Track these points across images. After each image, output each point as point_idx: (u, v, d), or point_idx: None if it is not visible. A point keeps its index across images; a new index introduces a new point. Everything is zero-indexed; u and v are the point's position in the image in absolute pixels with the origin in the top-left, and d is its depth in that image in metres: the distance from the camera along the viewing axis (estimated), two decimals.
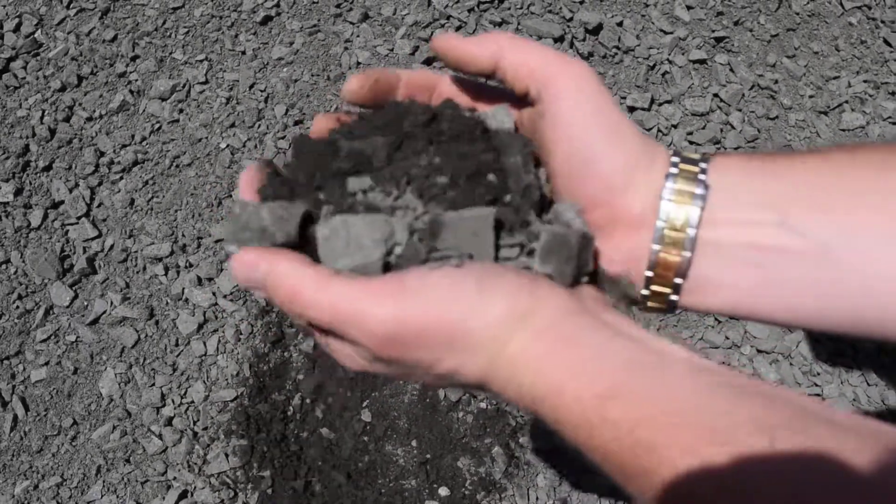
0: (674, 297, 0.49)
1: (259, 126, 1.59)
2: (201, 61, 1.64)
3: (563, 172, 0.50)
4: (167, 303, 1.46)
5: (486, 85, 0.55)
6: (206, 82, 1.62)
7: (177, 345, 1.43)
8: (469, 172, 0.47)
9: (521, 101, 0.52)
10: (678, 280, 0.48)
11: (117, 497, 1.34)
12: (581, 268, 0.47)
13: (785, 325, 0.50)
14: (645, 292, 0.50)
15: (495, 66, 0.50)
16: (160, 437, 1.37)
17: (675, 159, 0.49)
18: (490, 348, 0.43)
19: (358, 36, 1.66)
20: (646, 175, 0.49)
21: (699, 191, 0.48)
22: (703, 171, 0.48)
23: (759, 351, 1.45)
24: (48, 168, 1.52)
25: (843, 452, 0.35)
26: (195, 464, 1.36)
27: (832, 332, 0.48)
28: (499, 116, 0.52)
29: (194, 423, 1.39)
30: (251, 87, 1.62)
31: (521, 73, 0.50)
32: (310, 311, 0.44)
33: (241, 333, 1.44)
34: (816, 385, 1.43)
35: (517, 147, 0.49)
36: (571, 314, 0.44)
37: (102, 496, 1.33)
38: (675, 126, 1.61)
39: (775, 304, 0.48)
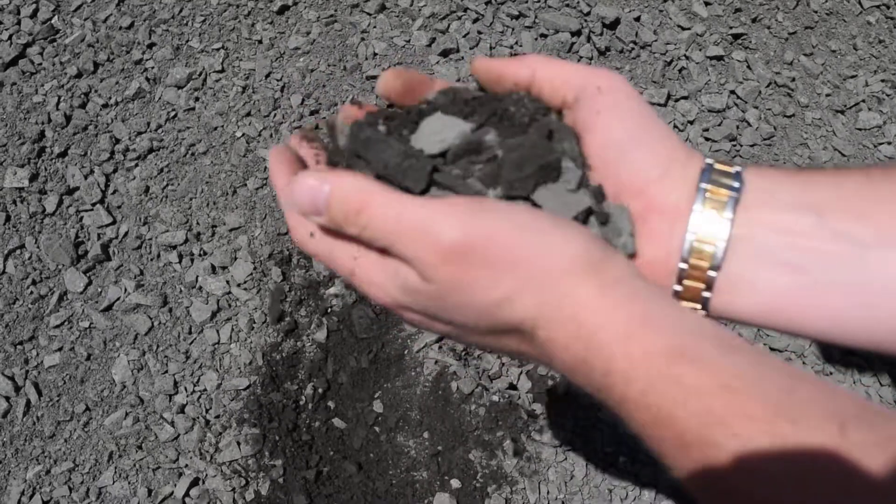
0: (707, 294, 0.49)
1: (275, 115, 1.58)
2: (218, 50, 1.63)
3: (599, 162, 0.50)
4: (181, 290, 1.46)
5: None
6: (223, 71, 1.62)
7: (190, 332, 1.44)
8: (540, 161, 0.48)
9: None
10: (712, 273, 0.48)
11: (129, 483, 1.34)
12: None
13: (823, 338, 0.49)
14: (678, 288, 0.49)
15: (531, 80, 0.52)
16: (172, 424, 1.37)
17: (711, 160, 0.50)
18: (556, 285, 0.42)
19: (375, 27, 1.66)
20: (682, 168, 0.49)
21: (735, 184, 0.48)
22: (739, 171, 0.49)
23: (772, 349, 1.45)
24: (63, 154, 1.52)
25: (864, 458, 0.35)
26: (207, 451, 1.36)
27: (868, 348, 0.48)
28: None
29: (207, 410, 1.39)
30: (267, 76, 1.62)
31: (557, 83, 0.51)
32: (375, 222, 0.44)
33: (254, 322, 1.44)
34: None
35: (567, 132, 0.50)
36: (638, 277, 0.44)
37: (114, 482, 1.34)
38: (691, 122, 1.60)
39: (812, 309, 0.47)
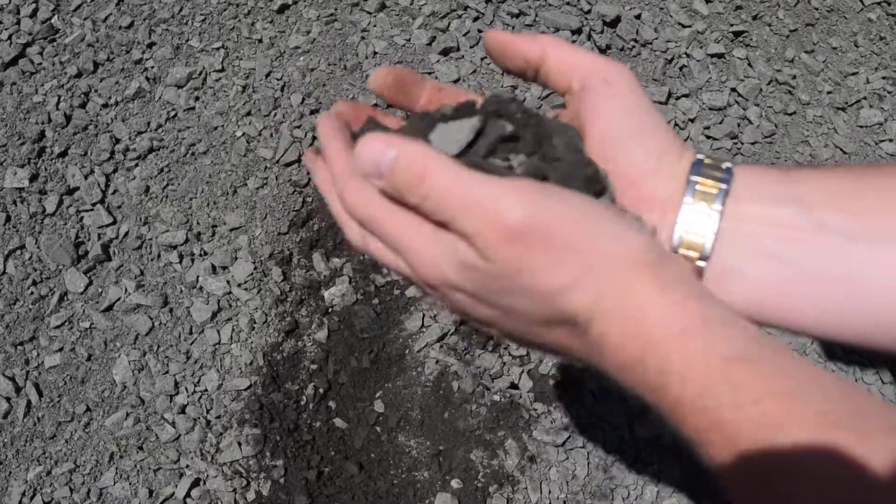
0: None
1: (275, 115, 1.58)
2: (218, 49, 1.63)
3: (597, 152, 0.51)
4: (181, 291, 1.46)
5: None
6: (223, 70, 1.62)
7: (191, 333, 1.43)
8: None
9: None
10: (701, 263, 0.49)
11: (130, 484, 1.34)
12: None
13: (812, 333, 0.49)
14: None
15: (541, 60, 0.52)
16: (173, 424, 1.37)
17: (701, 155, 0.51)
18: (618, 278, 0.42)
19: (375, 25, 1.65)
20: (675, 162, 0.50)
21: (724, 176, 0.49)
22: (729, 166, 0.50)
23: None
24: (63, 154, 1.52)
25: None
26: (208, 452, 1.36)
27: (860, 344, 0.48)
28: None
29: (207, 411, 1.39)
30: (267, 75, 1.61)
31: (565, 67, 0.52)
32: (437, 192, 0.43)
33: (255, 322, 1.44)
34: None
35: (564, 130, 0.50)
36: (697, 281, 0.45)
37: (115, 483, 1.34)
38: (692, 120, 1.60)
39: (799, 299, 0.48)
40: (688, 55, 1.64)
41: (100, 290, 1.45)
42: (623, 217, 0.45)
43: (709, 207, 0.48)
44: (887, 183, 0.47)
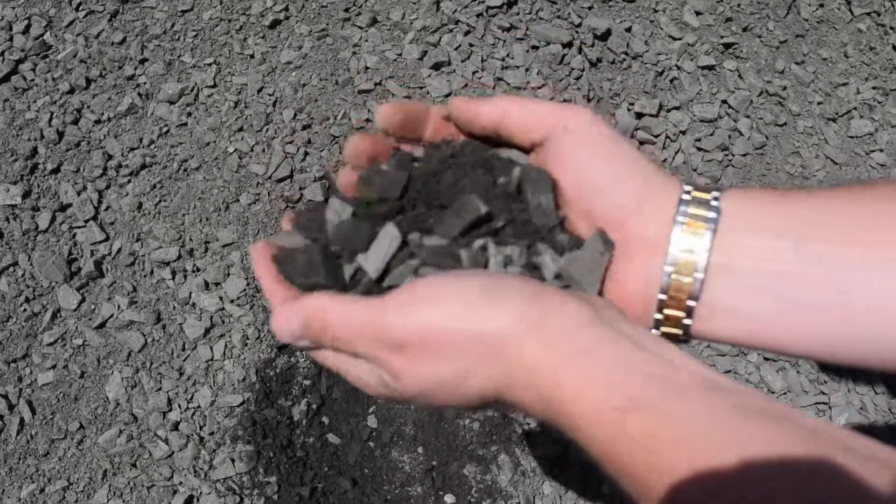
0: (687, 321, 0.49)
1: (267, 130, 1.59)
2: (210, 65, 1.64)
3: (574, 198, 0.51)
4: (174, 307, 1.46)
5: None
6: (215, 86, 1.62)
7: (184, 349, 1.44)
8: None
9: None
10: (691, 303, 0.48)
11: (123, 501, 1.34)
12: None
13: (804, 357, 0.49)
14: (658, 316, 0.50)
15: (501, 122, 0.53)
16: (166, 441, 1.37)
17: (689, 188, 0.50)
18: (504, 356, 0.43)
19: (366, 40, 1.66)
20: (659, 200, 0.50)
21: (712, 214, 0.48)
22: (717, 199, 0.49)
23: (765, 359, 1.45)
24: (56, 171, 1.52)
25: (859, 475, 0.35)
26: (201, 469, 1.36)
27: (853, 365, 0.48)
28: (513, 154, 0.55)
29: (200, 427, 1.39)
30: (259, 90, 1.62)
31: (524, 123, 0.53)
32: (337, 334, 0.47)
33: (247, 338, 1.44)
34: (823, 393, 1.42)
35: (537, 173, 0.51)
36: (587, 325, 0.44)
37: (108, 500, 1.34)
38: (683, 132, 1.61)
39: (793, 333, 0.47)
40: (678, 67, 1.65)
41: (93, 306, 1.45)
42: (501, 286, 0.45)
43: (697, 245, 0.48)
44: (877, 209, 0.47)
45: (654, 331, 0.51)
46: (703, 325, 0.49)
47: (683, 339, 0.51)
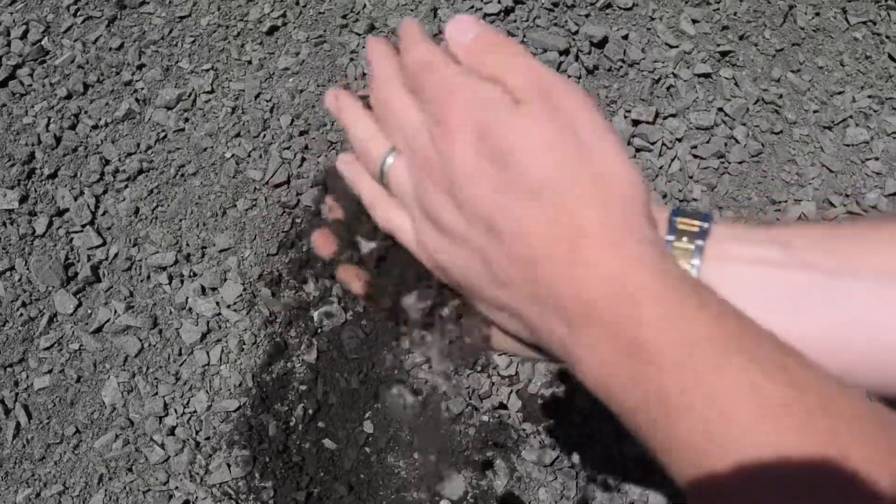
0: None
1: (264, 136, 1.59)
2: (207, 70, 1.64)
3: None
4: (171, 312, 1.46)
5: None
6: (212, 91, 1.62)
7: (180, 354, 1.44)
8: None
9: None
10: None
11: None
12: None
13: None
14: None
15: None
16: (162, 446, 1.37)
17: (676, 218, 0.50)
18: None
19: (364, 47, 1.66)
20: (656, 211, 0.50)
21: (704, 225, 0.49)
22: (707, 218, 0.50)
23: None
24: (53, 176, 1.52)
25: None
26: (197, 474, 1.36)
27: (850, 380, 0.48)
28: None
29: (197, 432, 1.39)
30: (257, 96, 1.62)
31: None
32: (510, 49, 0.46)
33: (244, 344, 1.44)
34: None
35: None
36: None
37: None
38: (679, 140, 1.61)
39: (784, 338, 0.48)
40: (675, 75, 1.65)
41: (89, 311, 1.45)
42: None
43: (691, 249, 0.48)
44: (863, 228, 0.47)
45: None
46: None
47: None
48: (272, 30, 1.68)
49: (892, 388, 0.47)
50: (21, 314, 1.42)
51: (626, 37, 1.68)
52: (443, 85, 0.47)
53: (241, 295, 1.47)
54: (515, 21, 1.66)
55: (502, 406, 1.41)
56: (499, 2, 1.66)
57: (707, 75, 1.66)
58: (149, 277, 1.48)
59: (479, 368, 1.42)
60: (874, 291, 0.45)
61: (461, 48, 0.48)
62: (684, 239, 0.48)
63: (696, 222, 0.49)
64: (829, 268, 0.46)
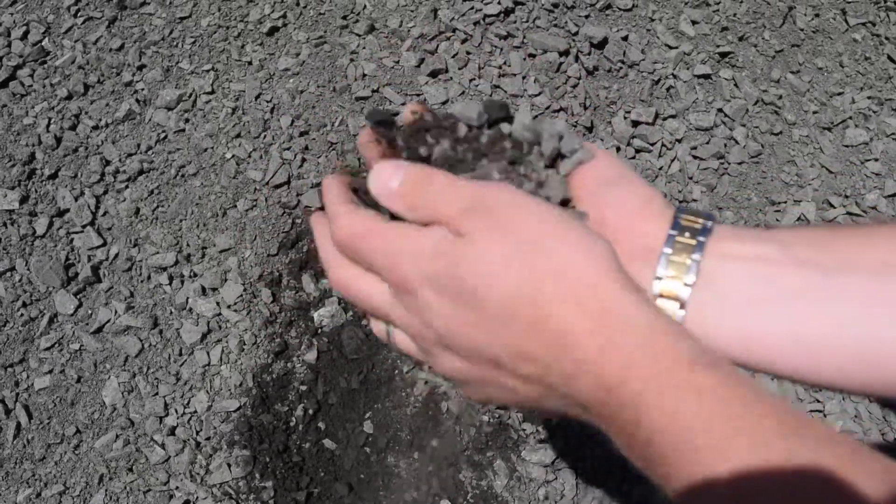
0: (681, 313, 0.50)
1: (265, 136, 1.59)
2: (208, 71, 1.64)
3: (584, 197, 0.53)
4: (171, 312, 1.47)
5: None
6: (213, 92, 1.63)
7: (180, 354, 1.44)
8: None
9: None
10: (681, 312, 0.49)
11: None
12: None
13: (795, 376, 0.50)
14: None
15: None
16: (163, 446, 1.37)
17: (681, 213, 0.52)
18: (584, 277, 0.44)
19: (364, 48, 1.66)
20: (660, 212, 0.52)
21: (707, 223, 0.50)
22: (709, 218, 0.51)
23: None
24: (54, 176, 1.52)
25: (824, 476, 0.36)
26: (198, 474, 1.36)
27: (846, 386, 0.49)
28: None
29: (197, 432, 1.39)
30: (257, 97, 1.62)
31: None
32: (435, 187, 0.48)
33: (244, 344, 1.45)
34: (818, 401, 1.43)
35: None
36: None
37: None
38: (679, 140, 1.61)
39: (782, 339, 0.48)
40: (675, 76, 1.66)
41: (90, 311, 1.45)
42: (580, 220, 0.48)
43: (692, 244, 0.49)
44: (857, 229, 0.48)
45: None
46: (694, 330, 0.50)
47: None
48: (272, 30, 1.68)
49: (887, 385, 0.48)
50: (21, 314, 1.42)
51: (625, 38, 1.68)
52: (384, 254, 0.49)
53: (241, 295, 1.47)
54: (515, 22, 1.67)
55: (502, 406, 1.41)
56: (499, 3, 1.66)
57: (707, 76, 1.66)
58: (149, 278, 1.48)
59: None
60: (869, 289, 0.46)
61: (389, 198, 0.50)
62: (686, 234, 0.49)
63: (700, 220, 0.50)
64: (824, 265, 0.47)
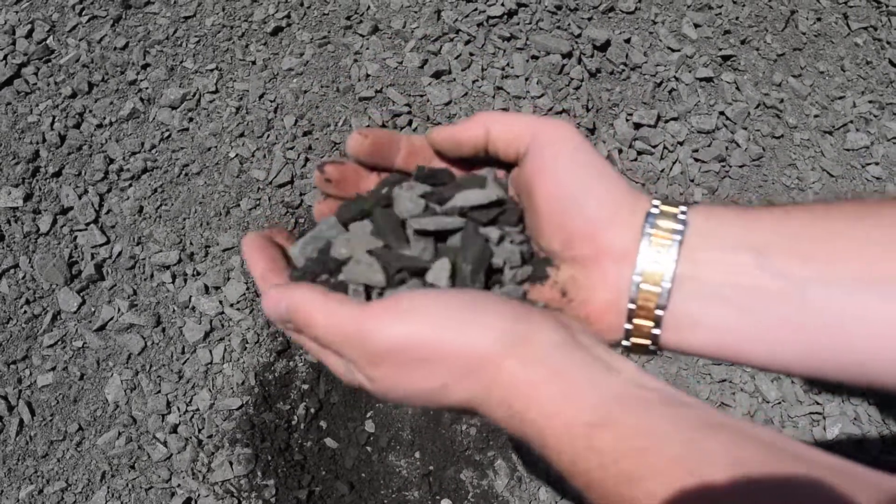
0: (656, 331, 0.50)
1: (268, 136, 1.60)
2: (212, 70, 1.65)
3: (549, 210, 0.53)
4: (174, 310, 1.47)
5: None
6: (217, 91, 1.63)
7: (183, 352, 1.44)
8: None
9: (509, 168, 0.58)
10: (659, 312, 0.50)
11: (121, 503, 1.34)
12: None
13: (769, 369, 0.51)
14: (628, 326, 0.51)
15: (486, 138, 0.55)
16: (165, 444, 1.37)
17: (657, 202, 0.51)
18: (483, 372, 0.45)
19: (367, 48, 1.67)
20: (629, 213, 0.51)
21: (678, 227, 0.50)
22: (684, 213, 0.51)
23: (760, 369, 1.46)
24: (58, 174, 1.53)
25: (814, 485, 0.36)
26: (199, 471, 1.37)
27: (817, 377, 0.49)
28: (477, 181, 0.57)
29: (199, 430, 1.39)
30: (261, 97, 1.63)
31: (509, 137, 0.54)
32: (320, 332, 0.48)
33: (247, 342, 1.45)
34: (818, 403, 1.43)
35: (510, 213, 0.56)
36: (563, 346, 0.46)
37: (107, 502, 1.34)
38: (680, 143, 1.62)
39: (757, 345, 0.49)
40: (677, 79, 1.66)
41: (93, 309, 1.46)
42: (489, 305, 0.47)
43: (664, 257, 0.49)
44: (839, 225, 0.48)
45: (624, 342, 0.53)
46: (671, 335, 0.50)
47: (653, 349, 0.52)
48: (276, 30, 1.68)
49: (865, 384, 0.48)
50: (25, 311, 1.42)
51: (628, 40, 1.68)
52: (308, 349, 0.53)
53: (244, 294, 1.47)
54: (518, 24, 1.67)
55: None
56: (502, 4, 1.67)
57: (709, 79, 1.67)
58: (152, 276, 1.49)
59: None
60: (845, 302, 0.46)
61: (294, 330, 0.52)
62: (658, 255, 0.50)
63: (669, 234, 0.50)
64: (801, 276, 0.47)
